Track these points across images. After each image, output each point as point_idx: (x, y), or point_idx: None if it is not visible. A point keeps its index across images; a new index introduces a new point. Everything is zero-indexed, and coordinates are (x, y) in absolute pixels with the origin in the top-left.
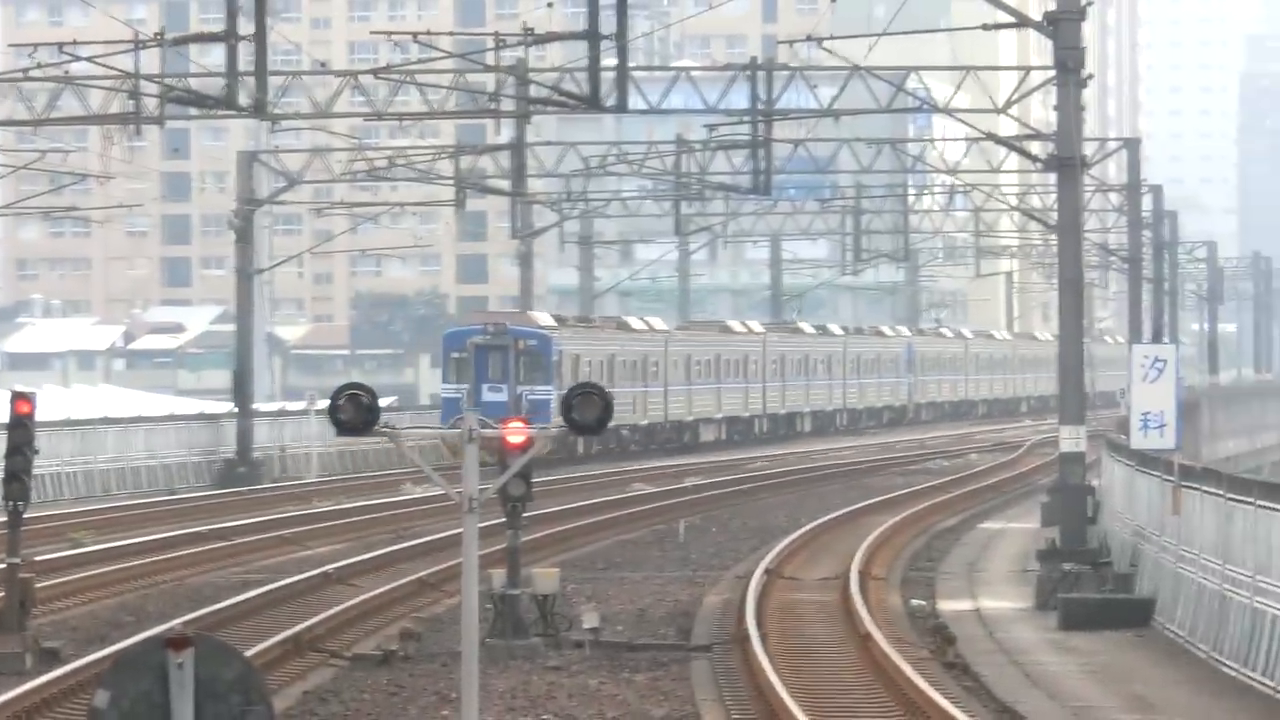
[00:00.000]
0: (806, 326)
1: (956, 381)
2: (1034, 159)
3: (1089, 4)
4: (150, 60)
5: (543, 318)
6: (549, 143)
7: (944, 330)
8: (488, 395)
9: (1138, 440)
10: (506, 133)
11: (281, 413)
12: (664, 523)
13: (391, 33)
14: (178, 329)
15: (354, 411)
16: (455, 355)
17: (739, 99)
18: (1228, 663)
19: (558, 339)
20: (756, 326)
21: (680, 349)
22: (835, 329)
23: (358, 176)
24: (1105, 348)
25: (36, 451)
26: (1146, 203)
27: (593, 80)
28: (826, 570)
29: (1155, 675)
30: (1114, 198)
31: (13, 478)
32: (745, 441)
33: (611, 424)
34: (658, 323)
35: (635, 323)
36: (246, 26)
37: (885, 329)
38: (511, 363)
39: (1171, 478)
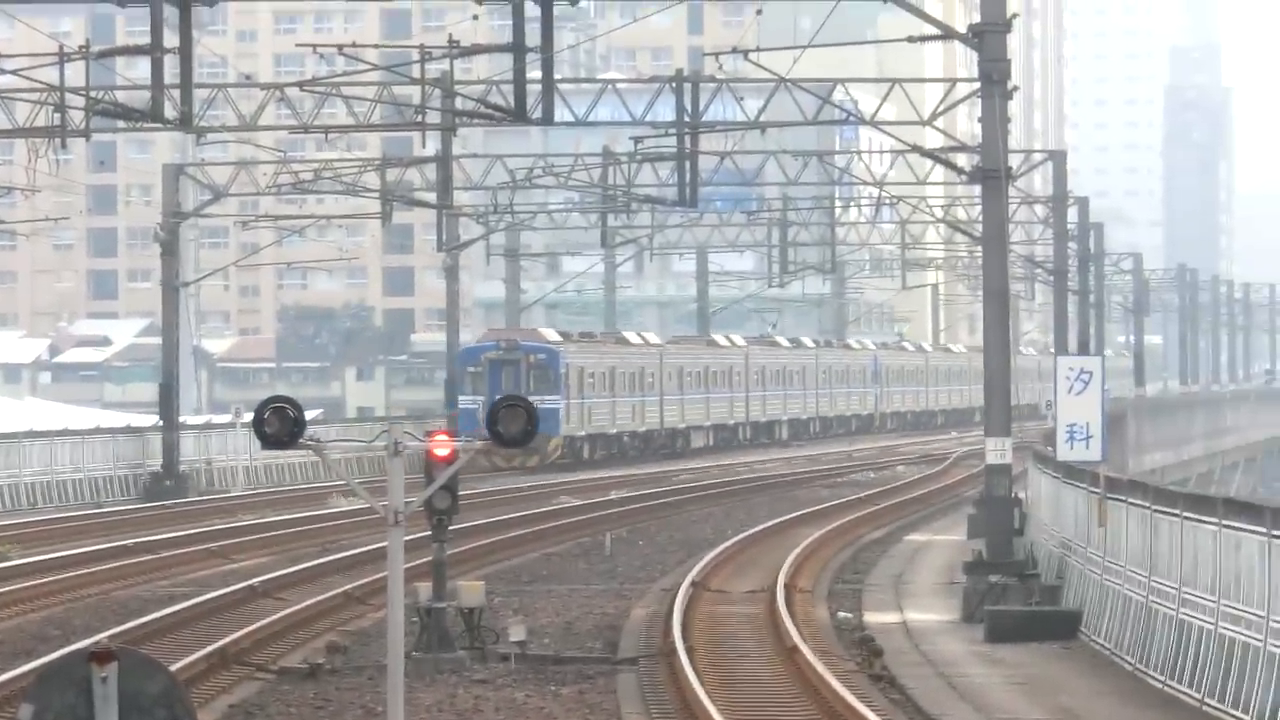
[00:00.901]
0: (782, 340)
1: (919, 392)
2: (959, 171)
3: (1014, 17)
4: (76, 73)
5: (550, 334)
6: (475, 155)
7: (905, 344)
8: None
9: (1064, 452)
10: (432, 145)
11: (208, 426)
12: (590, 535)
13: (317, 45)
14: (104, 342)
15: (279, 424)
16: (471, 370)
17: (665, 111)
18: (1154, 675)
19: (564, 353)
20: (739, 340)
21: (673, 361)
22: (808, 342)
23: (283, 189)
24: (1023, 359)
25: None
26: (1072, 215)
27: (519, 93)
28: (753, 583)
29: (1082, 687)
30: (1040, 210)
31: None
32: (730, 447)
33: (613, 430)
34: (652, 337)
35: (632, 337)
36: (172, 39)
37: (853, 342)
38: (523, 376)
39: (1097, 490)
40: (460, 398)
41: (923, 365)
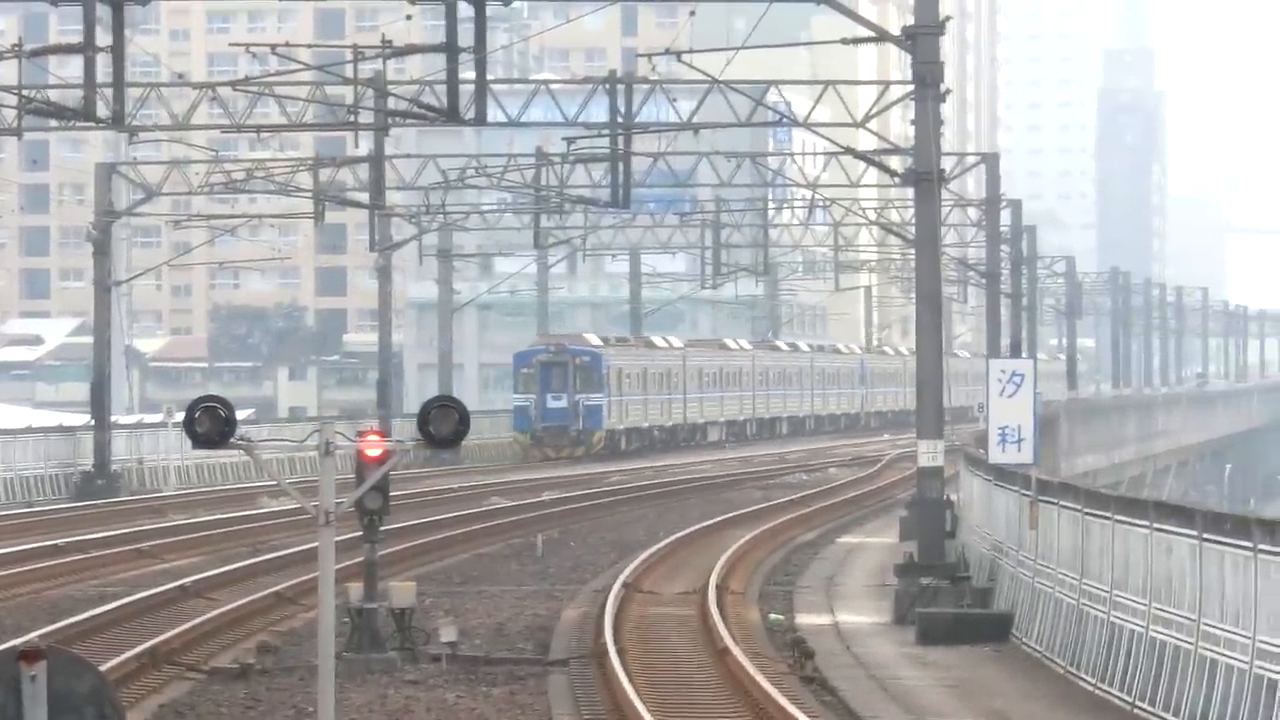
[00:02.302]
0: (781, 344)
1: (899, 393)
2: (892, 173)
3: (948, 19)
4: (8, 72)
5: (593, 339)
6: (408, 155)
7: (886, 349)
8: (551, 403)
9: (996, 455)
10: (365, 145)
11: (139, 425)
12: (522, 537)
13: (250, 45)
14: (36, 341)
15: (210, 424)
16: (524, 371)
17: (598, 112)
18: (1085, 677)
19: (606, 356)
20: (745, 344)
21: (694, 363)
22: (804, 346)
23: (216, 189)
24: (956, 362)
25: None
26: (1005, 217)
27: (451, 93)
28: (685, 584)
29: (1013, 690)
30: (973, 212)
31: None
32: (740, 441)
33: (645, 424)
34: (675, 341)
35: (659, 341)
36: (105, 38)
37: (841, 347)
38: (570, 376)
39: (1029, 492)
40: (513, 396)
41: (902, 368)
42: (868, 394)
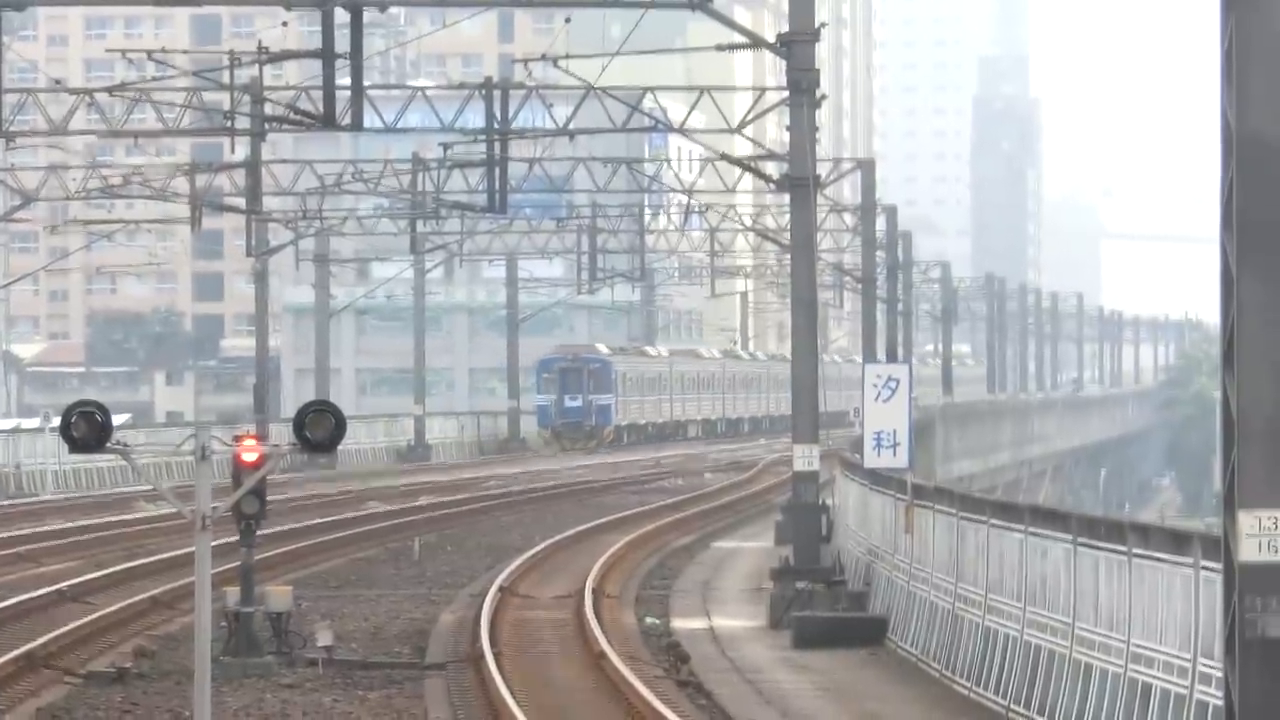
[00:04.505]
0: (743, 353)
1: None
2: (768, 179)
3: (823, 26)
4: None
5: (603, 349)
6: (285, 160)
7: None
8: (569, 403)
9: (871, 459)
10: (242, 151)
11: (16, 430)
12: (399, 541)
13: (127, 51)
14: None
15: (86, 429)
16: (545, 376)
17: (475, 118)
18: (960, 681)
19: (614, 363)
20: (716, 353)
21: (679, 369)
22: (761, 355)
23: (93, 194)
24: (831, 366)
25: None
26: (880, 223)
27: (328, 99)
28: (561, 588)
29: (889, 693)
30: (848, 218)
31: None
32: (710, 437)
33: (643, 421)
34: (663, 350)
35: (650, 350)
36: None
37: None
38: (585, 380)
39: (904, 497)
40: (536, 397)
41: (853, 375)
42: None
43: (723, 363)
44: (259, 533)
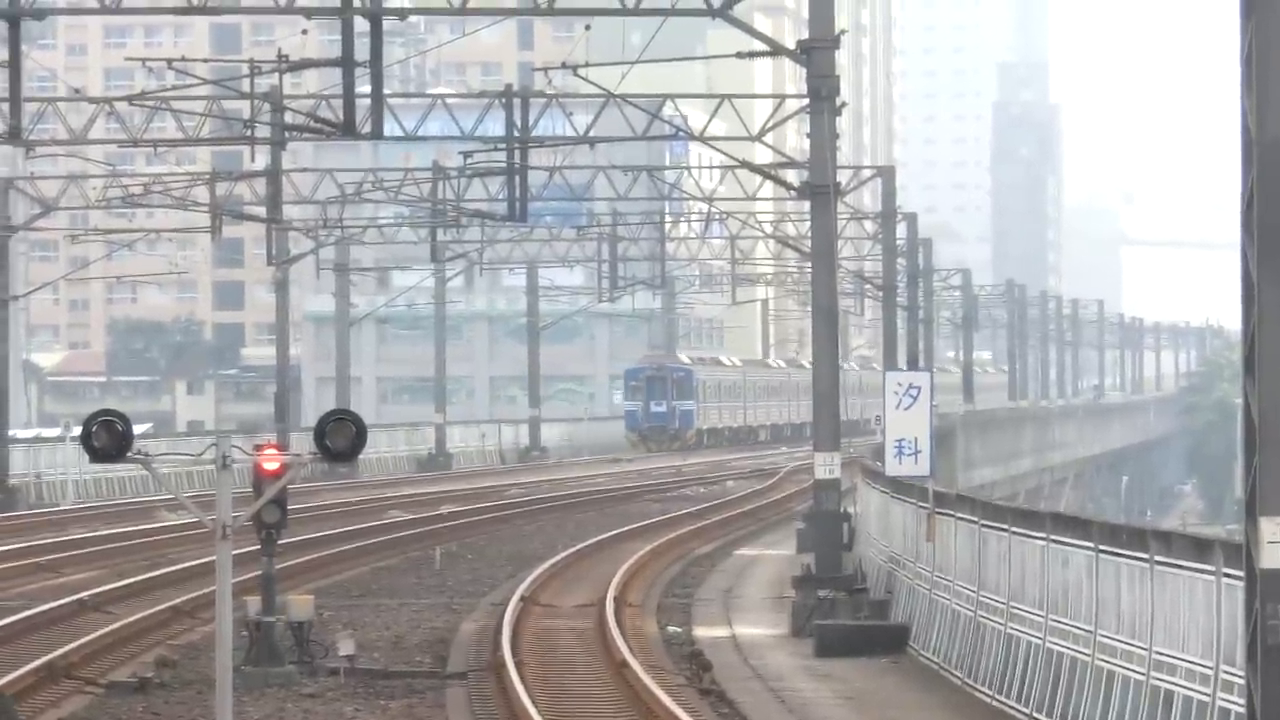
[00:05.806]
0: (805, 363)
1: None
2: (788, 187)
3: (843, 33)
4: None
5: (684, 358)
6: (305, 169)
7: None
8: (654, 408)
9: (892, 467)
10: (262, 159)
11: (37, 440)
12: (420, 550)
13: (147, 59)
14: None
15: (107, 438)
16: (633, 383)
17: (495, 126)
18: (982, 689)
19: (696, 372)
20: (782, 363)
21: (751, 377)
22: (805, 363)
23: (113, 203)
24: (852, 374)
25: None
26: (901, 230)
27: (348, 107)
28: (583, 597)
29: (910, 701)
30: (869, 225)
31: None
32: (779, 440)
33: (720, 425)
34: (736, 359)
35: (725, 359)
36: (1, 53)
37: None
38: (669, 388)
39: (926, 505)
40: (624, 402)
41: (879, 382)
42: (848, 403)
43: (788, 372)
44: (280, 542)
